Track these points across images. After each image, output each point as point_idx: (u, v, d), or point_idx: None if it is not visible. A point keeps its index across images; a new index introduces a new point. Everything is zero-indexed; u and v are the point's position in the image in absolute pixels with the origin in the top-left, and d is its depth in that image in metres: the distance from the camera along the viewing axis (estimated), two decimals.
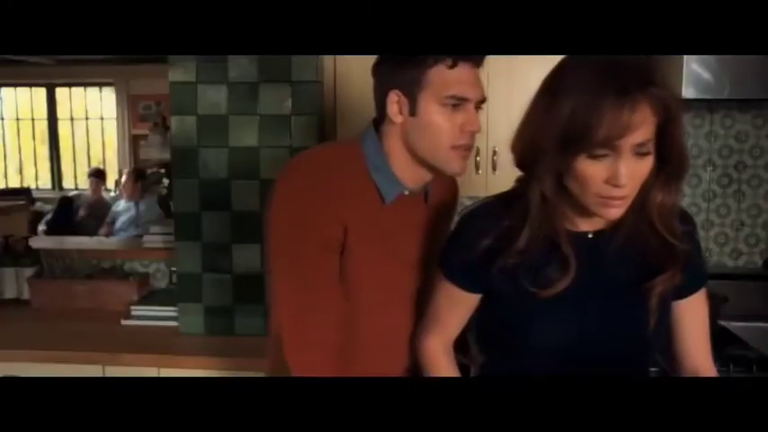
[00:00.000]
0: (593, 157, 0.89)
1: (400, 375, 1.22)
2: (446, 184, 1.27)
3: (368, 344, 1.17)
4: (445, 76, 1.08)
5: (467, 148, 1.12)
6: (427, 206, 1.22)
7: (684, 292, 1.05)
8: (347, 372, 1.11)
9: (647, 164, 0.91)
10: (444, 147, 1.10)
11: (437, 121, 1.10)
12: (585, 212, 0.98)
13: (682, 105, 0.93)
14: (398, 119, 1.12)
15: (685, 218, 1.04)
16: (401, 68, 1.10)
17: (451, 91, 1.08)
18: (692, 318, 1.08)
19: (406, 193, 1.17)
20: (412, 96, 1.10)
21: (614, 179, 0.89)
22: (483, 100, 1.13)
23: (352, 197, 1.11)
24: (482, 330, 1.13)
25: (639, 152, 0.89)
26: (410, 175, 1.16)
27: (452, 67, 1.08)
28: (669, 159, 0.93)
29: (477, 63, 1.11)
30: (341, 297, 1.12)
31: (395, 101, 1.12)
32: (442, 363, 1.14)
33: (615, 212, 0.93)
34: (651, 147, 0.90)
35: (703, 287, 1.08)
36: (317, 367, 1.08)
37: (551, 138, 0.90)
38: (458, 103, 1.09)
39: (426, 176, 1.17)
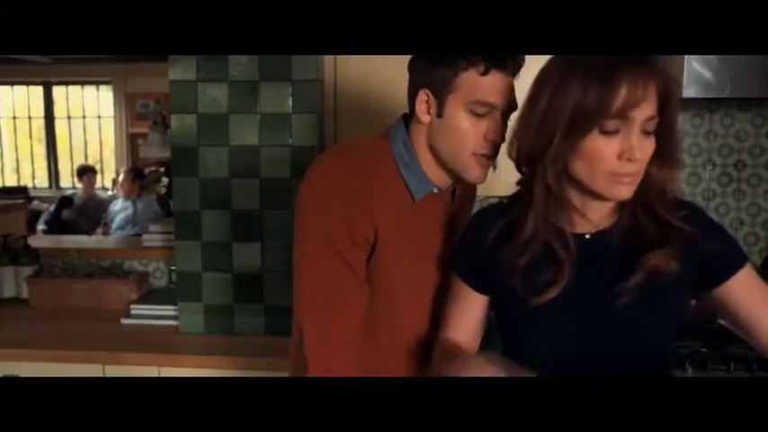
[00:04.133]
0: (606, 132, 0.90)
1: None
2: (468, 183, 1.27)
3: (397, 343, 1.17)
4: (475, 82, 1.07)
5: (488, 157, 1.11)
6: (454, 203, 1.22)
7: (722, 275, 0.99)
8: (372, 370, 1.11)
9: (651, 143, 0.93)
10: (465, 153, 1.10)
11: (461, 126, 1.08)
12: (584, 211, 0.99)
13: (679, 87, 0.95)
14: (425, 118, 1.11)
15: (683, 204, 1.02)
16: (434, 68, 1.08)
17: (479, 96, 1.07)
18: (749, 294, 0.99)
19: (435, 191, 1.17)
20: (440, 98, 1.09)
21: (628, 153, 0.90)
22: (512, 109, 1.10)
23: (384, 195, 1.10)
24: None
25: (645, 129, 0.91)
26: (438, 174, 1.15)
27: (484, 73, 1.06)
28: (665, 140, 0.94)
29: (512, 72, 1.10)
30: (365, 296, 1.11)
31: (423, 100, 1.11)
32: (452, 349, 1.09)
33: (626, 191, 0.93)
34: (654, 125, 0.92)
35: (746, 264, 1.01)
36: (337, 364, 1.07)
37: (561, 120, 0.91)
38: (485, 111, 1.08)
39: (449, 175, 1.16)
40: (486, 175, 1.13)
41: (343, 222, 1.07)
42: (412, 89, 1.14)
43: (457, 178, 1.16)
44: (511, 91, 1.11)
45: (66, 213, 4.75)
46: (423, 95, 1.10)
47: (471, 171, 1.11)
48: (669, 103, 0.92)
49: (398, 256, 1.12)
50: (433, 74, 1.09)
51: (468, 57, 1.06)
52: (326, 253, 1.08)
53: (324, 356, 1.09)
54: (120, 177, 4.47)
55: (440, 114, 1.10)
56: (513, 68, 1.10)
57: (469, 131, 1.08)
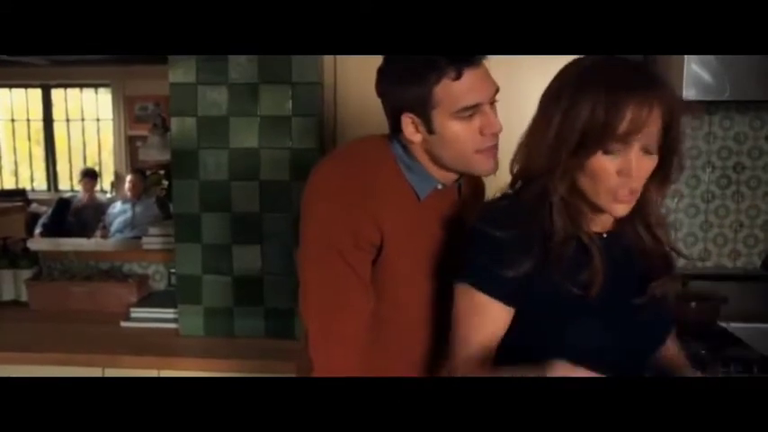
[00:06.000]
0: (608, 152, 0.94)
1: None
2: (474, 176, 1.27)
3: (403, 344, 1.17)
4: (452, 90, 1.06)
5: (492, 149, 1.11)
6: (460, 198, 1.22)
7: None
8: (378, 371, 1.10)
9: (652, 161, 0.96)
10: (468, 154, 1.10)
11: (456, 134, 1.08)
12: (596, 214, 1.01)
13: (684, 109, 0.98)
14: (417, 138, 1.11)
15: None
16: (406, 90, 1.08)
17: (462, 103, 1.07)
18: None
19: (440, 187, 1.17)
20: (425, 116, 1.08)
21: (626, 171, 0.93)
22: (496, 93, 1.11)
23: (386, 196, 1.11)
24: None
25: (647, 150, 0.94)
26: (441, 171, 1.15)
27: (457, 78, 1.06)
28: (668, 160, 0.98)
29: (480, 60, 1.09)
30: (370, 297, 1.11)
31: (409, 123, 1.10)
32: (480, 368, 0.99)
33: (623, 208, 0.97)
34: (657, 146, 0.95)
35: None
36: (341, 365, 1.08)
37: (571, 139, 0.93)
38: (472, 112, 1.08)
39: (457, 173, 1.17)
40: (496, 164, 1.13)
41: (346, 224, 1.07)
42: (390, 114, 1.13)
43: (467, 174, 1.17)
44: (488, 78, 1.10)
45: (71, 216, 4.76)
46: (406, 119, 1.10)
47: (480, 166, 1.12)
48: (673, 126, 0.95)
49: (405, 256, 1.12)
50: (407, 95, 1.08)
51: (437, 69, 1.05)
52: (329, 255, 1.08)
53: (327, 358, 1.09)
54: (129, 178, 4.49)
55: (430, 131, 1.10)
56: (480, 58, 1.09)
57: (466, 135, 1.09)
